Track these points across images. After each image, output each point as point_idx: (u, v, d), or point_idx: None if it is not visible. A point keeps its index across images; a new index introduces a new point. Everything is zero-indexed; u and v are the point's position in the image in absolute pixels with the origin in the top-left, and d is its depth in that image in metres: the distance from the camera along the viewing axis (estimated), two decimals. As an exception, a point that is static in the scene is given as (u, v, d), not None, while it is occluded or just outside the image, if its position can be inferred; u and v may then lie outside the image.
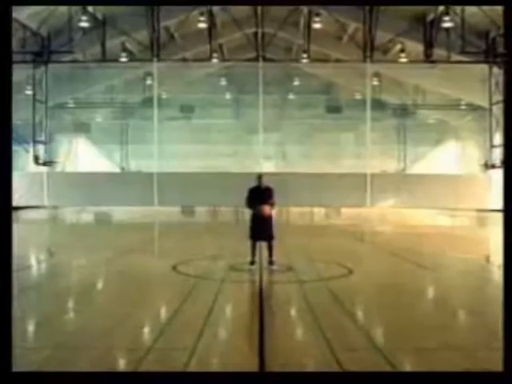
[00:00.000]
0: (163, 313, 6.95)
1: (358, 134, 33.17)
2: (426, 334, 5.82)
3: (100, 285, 8.98)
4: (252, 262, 10.09)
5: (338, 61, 29.31)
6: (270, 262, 10.13)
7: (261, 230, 10.06)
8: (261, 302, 7.45)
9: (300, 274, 9.62)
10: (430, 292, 8.75)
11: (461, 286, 8.92)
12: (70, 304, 7.49)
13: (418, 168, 31.82)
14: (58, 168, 31.70)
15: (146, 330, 6.14)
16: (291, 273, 9.74)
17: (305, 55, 28.63)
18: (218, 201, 25.61)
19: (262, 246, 10.56)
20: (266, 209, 9.99)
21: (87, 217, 26.62)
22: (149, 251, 12.86)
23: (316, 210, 27.94)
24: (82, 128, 32.42)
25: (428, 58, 25.74)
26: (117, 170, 32.66)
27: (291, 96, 34.23)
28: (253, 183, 10.40)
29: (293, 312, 7.10)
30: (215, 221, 25.67)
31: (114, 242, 14.79)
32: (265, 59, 27.89)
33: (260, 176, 10.38)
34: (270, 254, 10.17)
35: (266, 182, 10.33)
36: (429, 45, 25.61)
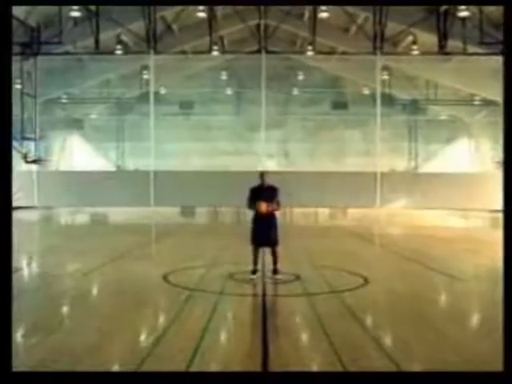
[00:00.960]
0: (143, 340, 5.81)
1: (365, 131, 32.18)
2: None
3: (76, 301, 7.84)
4: (254, 271, 9.02)
5: (344, 53, 28.13)
6: (275, 271, 9.05)
7: (264, 234, 8.98)
8: (264, 324, 6.35)
9: (309, 284, 8.55)
10: (470, 309, 7.61)
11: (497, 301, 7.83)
12: (41, 321, 6.39)
13: (429, 167, 30.64)
14: (53, 166, 30.70)
15: (115, 367, 4.87)
16: (299, 283, 8.67)
17: (310, 47, 27.50)
18: (219, 201, 24.56)
19: (266, 251, 9.50)
20: (263, 206, 8.84)
21: (79, 218, 25.54)
22: (141, 257, 11.77)
23: (321, 210, 26.85)
24: (76, 124, 31.38)
25: (442, 50, 24.56)
26: (113, 168, 31.57)
27: (295, 91, 33.08)
28: (254, 182, 9.32)
29: (304, 338, 6.00)
30: (215, 222, 24.57)
31: (103, 246, 13.71)
32: (268, 52, 26.80)
33: (263, 174, 9.29)
34: (275, 262, 9.09)
35: (269, 181, 9.24)
36: (443, 36, 24.43)
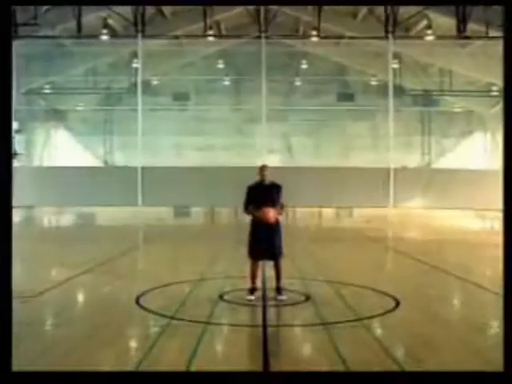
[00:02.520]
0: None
1: (373, 124, 30.47)
2: None
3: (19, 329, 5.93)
4: (252, 290, 7.21)
5: (352, 38, 26.22)
6: (278, 290, 7.24)
7: (265, 244, 7.16)
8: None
9: (324, 308, 6.74)
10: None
11: None
12: None
13: (444, 163, 28.67)
14: (36, 161, 28.83)
15: None
16: (311, 306, 6.84)
17: (314, 32, 25.63)
18: (214, 200, 22.69)
19: (267, 264, 7.72)
20: (271, 213, 7.05)
21: (57, 219, 23.67)
22: (114, 270, 9.89)
23: (327, 210, 24.98)
24: (60, 117, 29.38)
25: (461, 34, 22.63)
26: (100, 164, 29.59)
27: (298, 81, 31.14)
28: (254, 179, 7.53)
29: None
30: (211, 224, 22.65)
31: (75, 254, 11.87)
32: (268, 38, 24.99)
33: (263, 168, 7.43)
34: (278, 278, 7.28)
35: (271, 177, 7.43)
36: (461, 19, 22.50)
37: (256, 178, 7.44)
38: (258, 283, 7.44)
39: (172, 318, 6.22)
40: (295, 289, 7.69)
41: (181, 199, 22.33)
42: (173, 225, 20.97)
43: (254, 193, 7.27)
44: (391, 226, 20.50)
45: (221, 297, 7.24)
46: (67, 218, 23.82)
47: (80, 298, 7.90)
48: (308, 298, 7.23)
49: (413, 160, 28.68)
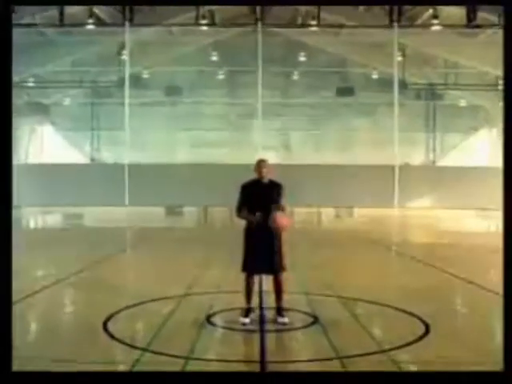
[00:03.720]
0: None
1: (374, 119, 29.23)
2: None
3: None
4: (247, 312, 5.87)
5: (355, 27, 24.89)
6: (278, 311, 5.93)
7: (262, 255, 5.84)
8: None
9: (335, 334, 5.43)
10: None
11: None
12: None
13: (449, 160, 27.29)
14: (20, 159, 27.40)
15: None
16: (318, 332, 5.55)
17: (313, 22, 24.34)
18: (207, 199, 21.39)
19: (264, 277, 6.43)
20: (284, 220, 5.76)
21: (37, 220, 22.20)
22: (88, 282, 8.47)
23: (327, 210, 23.69)
24: (45, 112, 27.88)
25: (471, 23, 21.33)
26: (87, 161, 28.08)
27: (296, 74, 29.75)
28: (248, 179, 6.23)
29: None
30: (204, 225, 21.30)
31: (45, 262, 10.54)
32: (265, 25, 23.73)
33: (261, 164, 6.09)
34: (278, 297, 5.97)
35: (270, 175, 6.13)
36: (472, 7, 21.17)
37: (253, 176, 6.11)
38: (254, 302, 6.13)
39: (145, 349, 4.89)
40: (299, 307, 6.38)
41: (172, 199, 20.97)
42: (161, 227, 19.44)
43: (250, 193, 5.95)
44: (399, 228, 19.08)
45: (208, 319, 5.91)
46: (46, 220, 22.33)
47: (32, 321, 6.42)
48: (316, 319, 5.92)
49: (416, 157, 27.33)
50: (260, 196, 5.87)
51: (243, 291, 5.94)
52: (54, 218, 22.58)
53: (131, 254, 12.62)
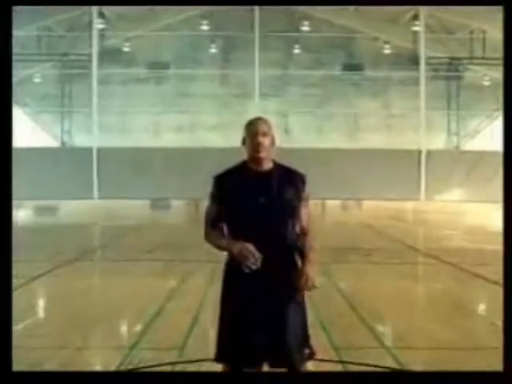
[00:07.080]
0: None
1: (386, 99, 26.62)
2: None
3: None
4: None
5: None
6: None
7: (262, 331, 2.81)
8: None
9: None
10: None
11: None
12: None
13: (475, 144, 24.22)
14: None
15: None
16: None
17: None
18: (197, 191, 18.30)
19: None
20: (309, 278, 2.83)
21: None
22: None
23: (330, 203, 20.78)
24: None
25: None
26: (57, 145, 24.87)
27: (297, 50, 26.79)
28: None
29: None
30: (189, 222, 18.18)
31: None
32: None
33: (258, 125, 3.01)
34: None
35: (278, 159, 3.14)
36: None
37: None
38: None
39: None
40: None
41: (151, 191, 17.79)
42: (135, 225, 15.82)
43: (234, 194, 2.95)
44: (430, 227, 15.51)
45: None
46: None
47: None
48: None
49: (437, 141, 24.30)
50: (257, 200, 2.86)
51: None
52: (23, 216, 19.46)
53: (78, 269, 9.16)
